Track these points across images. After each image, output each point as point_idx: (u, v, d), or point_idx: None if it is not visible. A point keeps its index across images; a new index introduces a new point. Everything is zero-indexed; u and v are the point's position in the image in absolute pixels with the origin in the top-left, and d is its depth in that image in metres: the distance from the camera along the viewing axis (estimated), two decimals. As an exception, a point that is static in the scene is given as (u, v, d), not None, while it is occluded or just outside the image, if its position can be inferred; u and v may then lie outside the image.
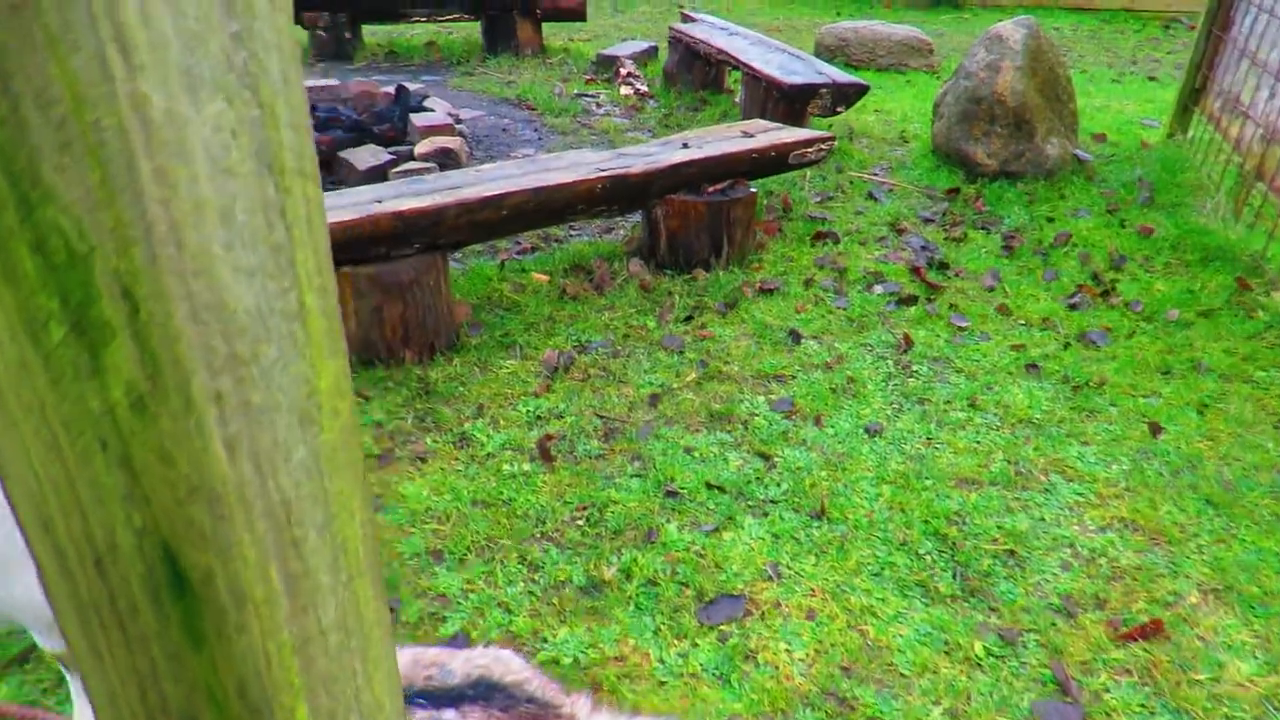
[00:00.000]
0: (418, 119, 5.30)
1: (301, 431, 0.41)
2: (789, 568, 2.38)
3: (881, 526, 2.52)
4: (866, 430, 2.95)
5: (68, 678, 1.87)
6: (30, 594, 1.46)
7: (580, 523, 2.55)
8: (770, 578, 2.35)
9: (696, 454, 2.83)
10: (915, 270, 3.99)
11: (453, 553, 2.44)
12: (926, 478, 2.72)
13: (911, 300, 3.76)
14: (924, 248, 4.25)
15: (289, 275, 0.39)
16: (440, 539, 2.48)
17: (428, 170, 4.88)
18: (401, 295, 3.09)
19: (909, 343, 3.44)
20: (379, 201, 3.12)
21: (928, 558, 2.41)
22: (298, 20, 7.25)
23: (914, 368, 3.31)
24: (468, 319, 3.47)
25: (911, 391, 3.17)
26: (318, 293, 0.41)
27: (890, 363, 3.34)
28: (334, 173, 4.88)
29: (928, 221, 4.58)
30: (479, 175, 3.43)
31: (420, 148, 5.07)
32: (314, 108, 5.55)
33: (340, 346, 0.44)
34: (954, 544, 2.45)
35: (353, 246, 3.00)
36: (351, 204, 3.10)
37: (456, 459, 2.80)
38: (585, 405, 3.06)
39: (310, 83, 6.09)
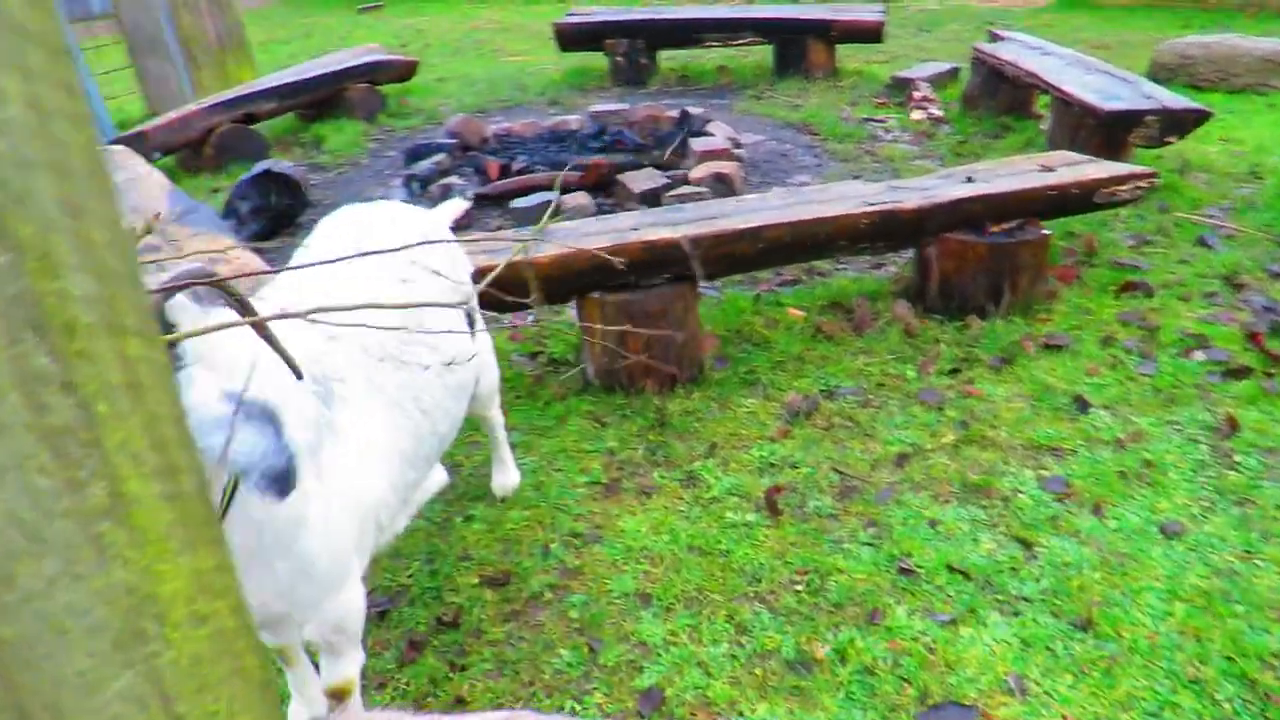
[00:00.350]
0: (697, 143, 5.32)
1: (123, 654, 0.31)
2: (1037, 684, 2.02)
3: (1167, 654, 2.07)
4: (1162, 529, 2.45)
5: (286, 673, 2.00)
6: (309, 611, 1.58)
7: (799, 588, 2.35)
8: (1012, 692, 2.00)
9: (942, 529, 2.51)
10: (1252, 336, 3.31)
11: (661, 599, 2.34)
12: (1238, 601, 2.20)
13: (1243, 373, 3.12)
14: (1268, 309, 3.52)
15: (85, 465, 0.29)
16: (651, 582, 2.40)
17: (699, 195, 4.87)
18: (648, 325, 3.06)
19: (1234, 426, 2.84)
20: (635, 229, 3.11)
21: (1227, 706, 1.93)
22: (598, 47, 7.63)
23: (1237, 458, 2.72)
24: (714, 352, 3.37)
25: (1230, 488, 2.60)
26: (156, 477, 0.31)
27: (1204, 448, 2.77)
28: (612, 195, 5.02)
29: (1276, 277, 3.80)
30: (738, 206, 3.33)
31: (695, 172, 5.08)
32: (601, 131, 5.78)
33: (213, 534, 0.34)
34: (1266, 694, 1.95)
35: (603, 274, 3.01)
36: (610, 231, 3.12)
37: (681, 498, 2.71)
38: (823, 457, 2.84)
39: (600, 106, 6.36)
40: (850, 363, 3.31)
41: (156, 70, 7.66)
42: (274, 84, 6.70)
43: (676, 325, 3.10)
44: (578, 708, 2.06)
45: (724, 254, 3.10)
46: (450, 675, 2.16)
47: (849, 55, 7.92)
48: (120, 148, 5.13)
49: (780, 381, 3.22)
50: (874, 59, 8.01)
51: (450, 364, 1.97)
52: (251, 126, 6.38)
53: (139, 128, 6.00)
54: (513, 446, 2.94)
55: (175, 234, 3.73)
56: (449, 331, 1.98)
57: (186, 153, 6.14)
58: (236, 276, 1.32)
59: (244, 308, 1.27)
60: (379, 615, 2.34)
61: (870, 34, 7.26)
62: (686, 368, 3.20)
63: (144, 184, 4.36)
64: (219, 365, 1.27)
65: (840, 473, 2.76)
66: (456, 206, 2.58)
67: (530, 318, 3.80)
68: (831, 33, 7.27)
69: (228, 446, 1.16)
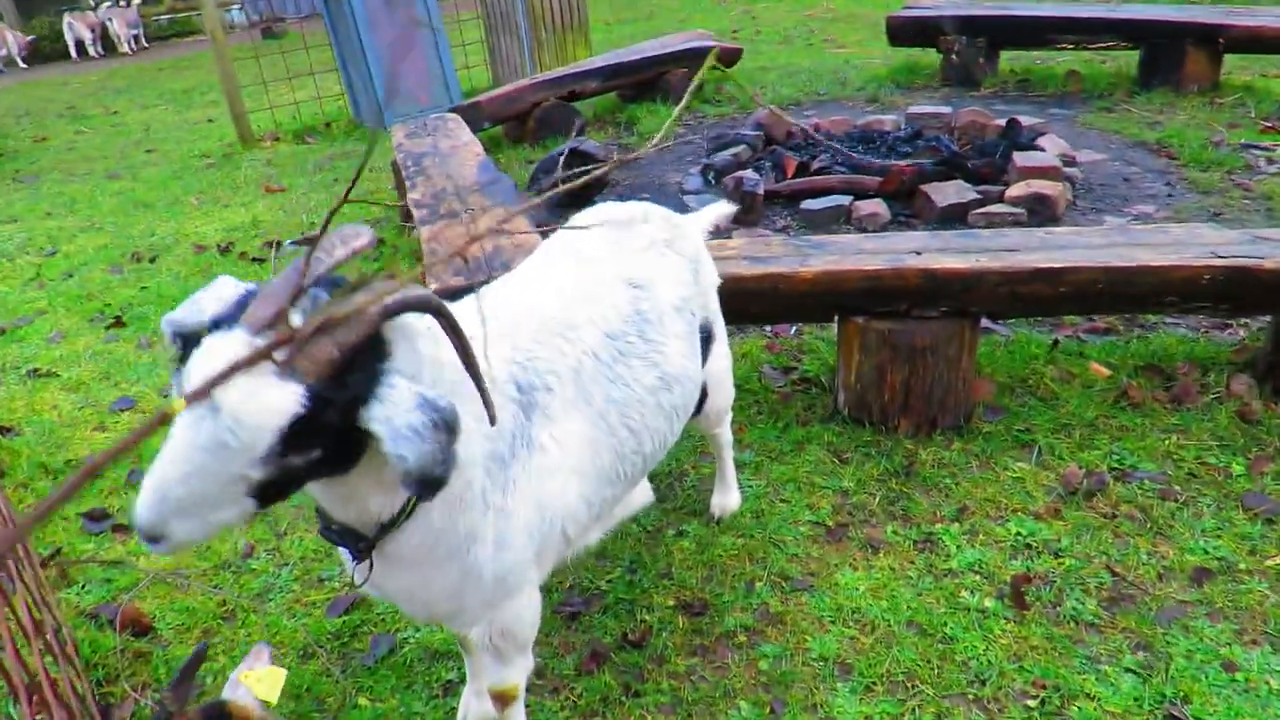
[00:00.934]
0: (1021, 158, 4.75)
1: None
2: None
3: None
4: None
5: (465, 661, 2.02)
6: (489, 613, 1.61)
7: (1031, 704, 1.98)
8: None
9: (1241, 678, 1.99)
10: None
11: (863, 675, 2.08)
12: None
13: None
14: None
15: None
16: (856, 651, 2.14)
17: (1013, 216, 4.34)
18: (912, 359, 2.74)
19: None
20: (917, 254, 2.80)
21: None
22: (932, 43, 7.09)
23: None
24: (986, 400, 2.97)
25: None
26: None
27: None
28: (910, 206, 4.64)
29: None
30: (1045, 239, 2.88)
31: (1012, 190, 4.53)
32: (915, 134, 5.36)
33: None
34: None
35: (870, 297, 2.74)
36: (885, 251, 2.83)
37: (912, 562, 2.40)
38: (1097, 550, 2.38)
39: (920, 108, 5.91)
40: (1157, 441, 2.76)
41: (504, 46, 8.32)
42: (600, 64, 6.99)
43: (946, 364, 2.75)
44: (743, 773, 1.89)
45: (1012, 294, 2.69)
46: (623, 699, 2.08)
47: (1239, 67, 6.70)
48: (453, 116, 5.60)
49: (1062, 448, 2.76)
50: (1272, 72, 6.71)
51: (669, 386, 1.85)
52: (573, 104, 6.72)
53: (476, 99, 6.53)
54: (740, 466, 2.79)
55: (474, 202, 3.98)
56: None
57: (513, 124, 6.59)
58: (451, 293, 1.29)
59: (458, 338, 1.25)
60: (570, 616, 2.31)
61: (1273, 44, 6.06)
62: (950, 413, 2.84)
63: (462, 152, 4.71)
64: (421, 376, 1.26)
65: (1115, 574, 2.30)
66: (718, 211, 2.45)
67: (793, 329, 3.60)
68: (1220, 40, 6.16)
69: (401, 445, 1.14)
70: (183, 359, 1.19)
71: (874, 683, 2.06)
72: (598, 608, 2.34)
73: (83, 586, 2.55)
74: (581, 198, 5.12)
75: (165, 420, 0.84)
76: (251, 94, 7.72)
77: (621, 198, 5.37)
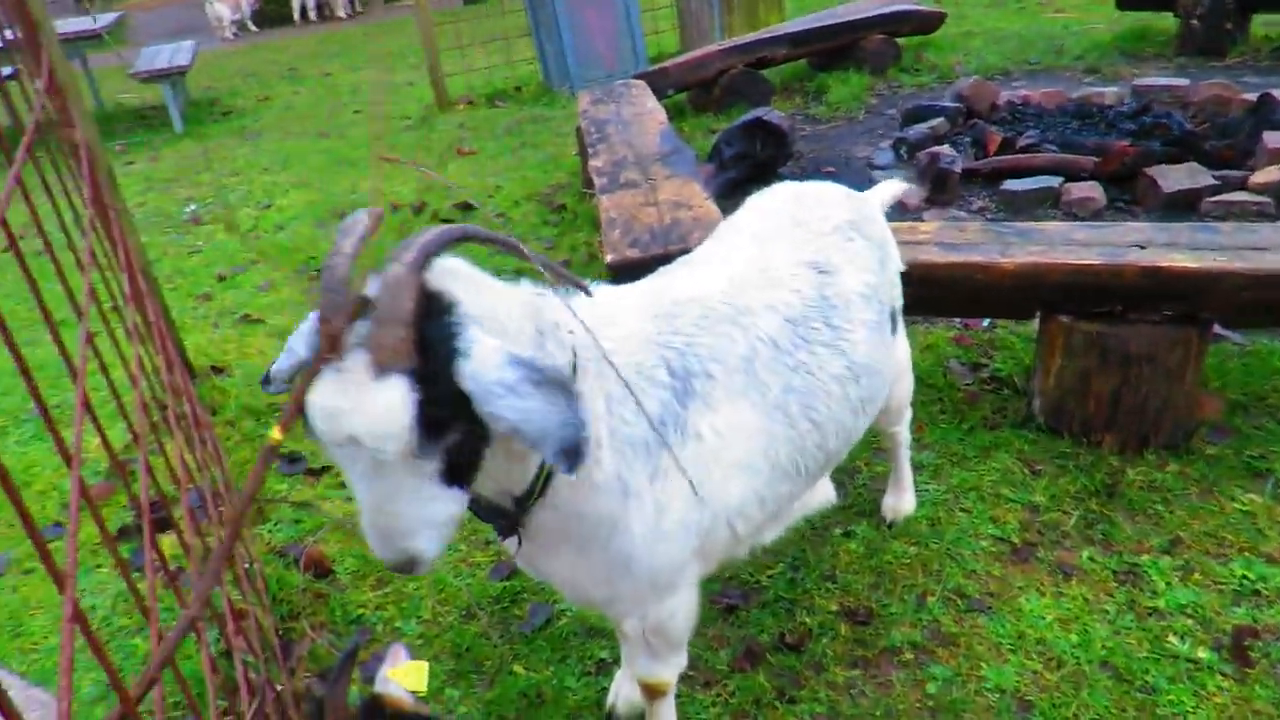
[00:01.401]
0: (1273, 138, 4.17)
1: None
2: None
3: None
4: None
5: (621, 646, 1.99)
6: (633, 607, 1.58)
7: (1247, 777, 1.73)
8: None
9: None
10: None
11: (1046, 715, 1.89)
12: None
13: None
14: None
15: None
16: (1039, 688, 1.95)
17: (1257, 206, 3.83)
18: (1124, 367, 2.46)
19: None
20: (1140, 248, 2.49)
21: None
22: (1167, 6, 6.35)
23: None
24: (1213, 418, 2.62)
25: None
26: None
27: None
28: (1130, 191, 4.18)
29: None
30: (1303, 237, 2.49)
31: (1259, 175, 4.00)
32: (1141, 109, 4.83)
33: None
34: None
35: (1079, 295, 2.47)
36: (1100, 243, 2.54)
37: (1110, 595, 2.16)
38: (1343, 607, 2.05)
39: (1150, 80, 5.31)
40: None
41: (695, 9, 8.18)
42: (791, 30, 6.74)
43: (1166, 376, 2.45)
44: (902, 803, 1.77)
45: (1255, 300, 2.34)
46: (777, 703, 1.99)
47: None
48: (638, 82, 5.57)
49: (1304, 481, 2.40)
50: None
51: (857, 377, 1.72)
52: (762, 71, 6.52)
53: (663, 64, 6.46)
54: (917, 468, 2.61)
55: (654, 172, 3.92)
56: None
57: (698, 91, 6.49)
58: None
59: (495, 241, 1.20)
60: (727, 609, 2.25)
61: None
62: (1166, 430, 2.53)
63: (645, 120, 4.66)
64: (503, 329, 1.19)
65: (1364, 637, 1.97)
66: (893, 189, 2.26)
67: (985, 321, 3.33)
68: None
69: (510, 413, 1.09)
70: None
71: (1057, 725, 1.87)
72: (756, 603, 2.26)
73: (275, 524, 2.73)
74: (763, 174, 4.97)
75: (273, 451, 0.86)
76: (450, 57, 8.01)
77: (803, 174, 5.19)
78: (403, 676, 1.47)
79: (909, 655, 2.07)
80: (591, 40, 7.61)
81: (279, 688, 2.05)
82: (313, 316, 1.22)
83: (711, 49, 6.54)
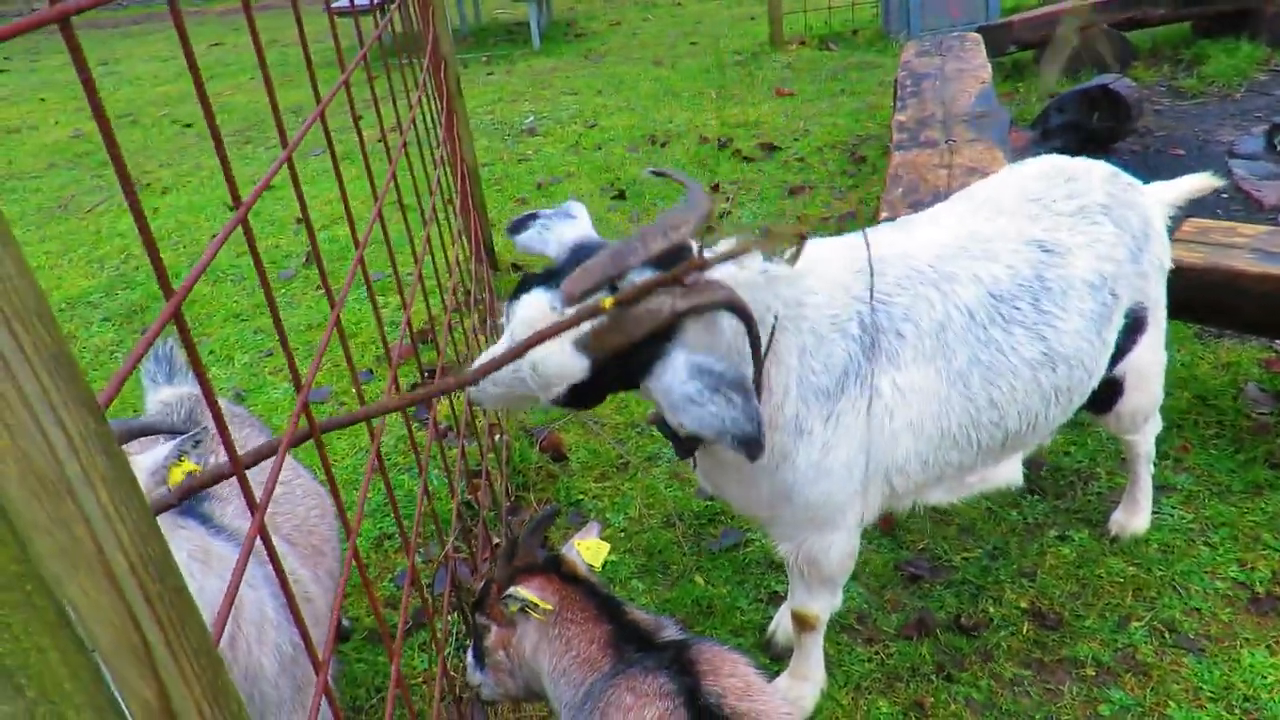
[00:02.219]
0: None
1: None
2: None
3: None
4: None
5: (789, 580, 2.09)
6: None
7: None
8: None
9: None
10: None
11: (1228, 773, 1.74)
12: None
13: None
14: None
15: None
16: (1231, 745, 1.79)
17: None
18: None
19: None
20: None
21: None
22: None
23: None
24: None
25: None
26: None
27: None
28: None
29: None
30: None
31: None
32: None
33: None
34: None
35: None
36: None
37: (1360, 676, 1.88)
38: None
39: None
40: None
41: (1066, -41, 7.42)
42: (1177, -12, 5.93)
43: None
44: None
45: None
46: (933, 677, 2.00)
47: None
48: (974, 36, 5.25)
49: None
50: None
51: (1054, 364, 1.66)
52: (1128, 32, 5.84)
53: (1009, 18, 6.00)
54: (1167, 489, 2.39)
55: (958, 134, 3.76)
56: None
57: (1045, 50, 5.97)
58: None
59: (751, 334, 1.29)
60: (910, 578, 2.25)
61: None
62: None
63: (966, 78, 4.43)
64: (700, 344, 1.33)
65: None
66: (1195, 184, 2.03)
67: (1312, 347, 2.88)
68: None
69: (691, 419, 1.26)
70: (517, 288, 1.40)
71: (1239, 788, 1.71)
72: (942, 580, 2.24)
73: (530, 409, 3.12)
74: (1094, 147, 4.53)
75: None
76: (793, -5, 8.00)
77: (1145, 152, 4.63)
78: (585, 549, 1.70)
79: (1090, 671, 1.97)
80: (941, -14, 7.22)
81: (496, 541, 2.41)
82: (573, 224, 1.49)
83: (1070, 4, 5.95)
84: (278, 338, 0.93)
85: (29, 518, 0.43)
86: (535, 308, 1.33)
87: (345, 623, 2.26)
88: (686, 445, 1.56)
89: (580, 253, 1.39)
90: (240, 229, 0.83)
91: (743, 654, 1.38)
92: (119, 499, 0.50)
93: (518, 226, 1.54)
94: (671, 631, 1.45)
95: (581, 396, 1.38)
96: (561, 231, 1.48)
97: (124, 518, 0.50)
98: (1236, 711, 1.84)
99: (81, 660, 0.46)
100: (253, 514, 0.79)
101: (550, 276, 1.36)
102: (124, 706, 0.48)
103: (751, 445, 1.25)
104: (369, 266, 4.20)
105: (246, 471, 0.79)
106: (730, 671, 1.30)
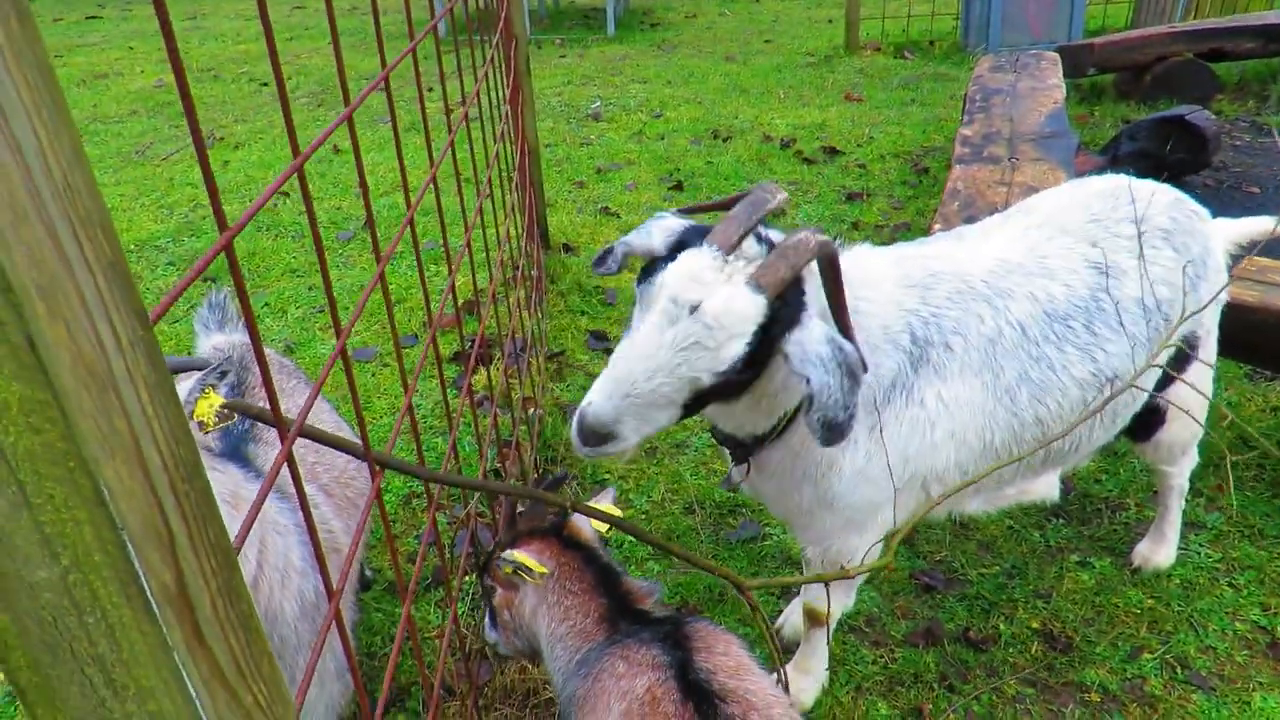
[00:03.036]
0: None
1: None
2: None
3: None
4: None
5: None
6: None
7: None
8: None
9: None
10: None
11: (1225, 813, 1.72)
12: None
13: None
14: None
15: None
16: (1231, 786, 1.77)
17: None
18: None
19: None
20: None
21: None
22: None
23: None
24: None
25: None
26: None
27: None
28: None
29: None
30: None
31: None
32: None
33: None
34: None
35: None
36: None
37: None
38: None
39: None
40: None
41: (1157, -17, 7.25)
42: (1269, 21, 5.76)
43: None
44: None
45: None
46: (935, 686, 2.01)
47: None
48: (1052, 55, 5.17)
49: None
50: None
51: (1102, 386, 1.66)
52: (1213, 64, 5.69)
53: (1090, 40, 5.88)
54: (1196, 526, 2.35)
55: (1022, 152, 3.71)
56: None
57: (1126, 75, 5.84)
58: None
59: (835, 284, 1.32)
60: (924, 587, 2.26)
61: None
62: None
63: (1038, 97, 4.37)
64: (827, 317, 1.37)
65: None
66: (1260, 226, 1.99)
67: (1370, 399, 2.80)
68: None
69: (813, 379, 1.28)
70: (645, 274, 1.37)
71: (1233, 829, 1.70)
72: (956, 593, 2.24)
73: (567, 384, 3.17)
74: (1166, 179, 4.43)
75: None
76: (873, 1, 7.92)
77: (1218, 187, 4.52)
78: (598, 510, 1.74)
79: (1095, 697, 1.96)
80: (1024, 2, 7.10)
81: (520, 509, 2.47)
82: (667, 220, 1.48)
83: (1157, 30, 5.81)
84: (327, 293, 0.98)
85: (76, 403, 0.48)
86: (696, 259, 1.30)
87: (368, 573, 2.33)
88: (742, 453, 1.61)
89: (689, 234, 1.39)
90: (296, 179, 0.89)
91: (738, 636, 1.41)
92: (158, 401, 0.55)
93: (601, 259, 1.54)
94: (657, 598, 1.50)
95: (750, 359, 1.30)
96: (659, 228, 1.49)
97: (160, 418, 0.55)
98: (1240, 754, 1.83)
99: (111, 537, 0.51)
100: (281, 442, 0.85)
101: (686, 243, 1.35)
102: (145, 583, 0.53)
103: (837, 431, 1.29)
104: (423, 236, 4.31)
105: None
106: (723, 650, 1.34)
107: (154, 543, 0.54)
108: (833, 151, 5.27)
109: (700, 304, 1.27)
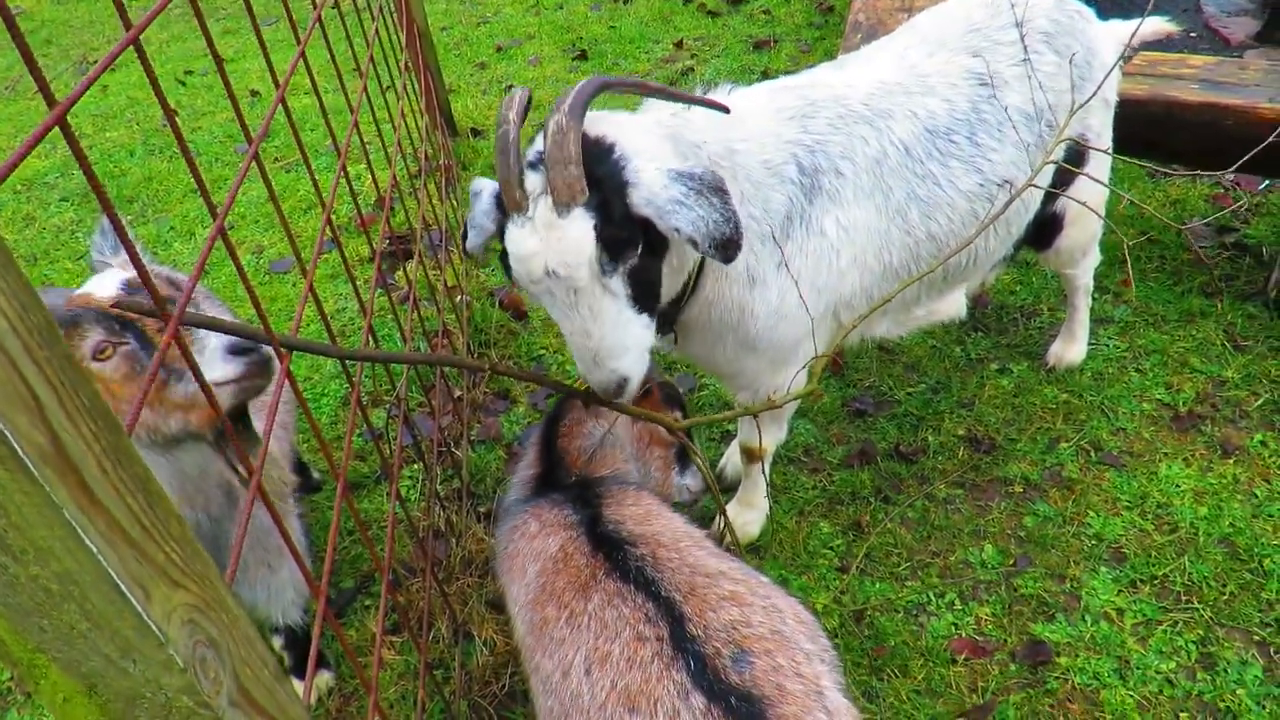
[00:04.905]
0: None
1: None
2: None
3: None
4: None
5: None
6: None
7: (1335, 678, 1.65)
8: None
9: None
10: None
11: (1135, 569, 1.89)
12: None
13: None
14: None
15: None
16: (1141, 545, 1.93)
17: None
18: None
19: None
20: None
21: None
22: None
23: None
24: None
25: None
26: None
27: None
28: None
29: None
30: None
31: None
32: None
33: None
34: None
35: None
36: None
37: (1266, 481, 2.02)
38: None
39: None
40: None
41: None
42: None
43: None
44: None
45: None
46: (871, 499, 2.12)
47: None
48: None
49: None
50: None
51: (991, 197, 1.70)
52: None
53: None
54: (1105, 321, 2.47)
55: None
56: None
57: None
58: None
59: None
60: (856, 413, 2.35)
61: None
62: None
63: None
64: (651, 158, 1.34)
65: None
66: (1155, 27, 2.00)
67: (1263, 184, 2.91)
68: None
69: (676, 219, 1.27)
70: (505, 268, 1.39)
71: (1143, 580, 1.86)
72: (886, 414, 2.34)
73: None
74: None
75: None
76: None
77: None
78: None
79: (1018, 488, 2.10)
80: None
81: (458, 394, 2.49)
82: (481, 201, 1.46)
83: None
84: (213, 213, 0.95)
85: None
86: (515, 239, 1.31)
87: (316, 475, 2.36)
88: (666, 324, 1.62)
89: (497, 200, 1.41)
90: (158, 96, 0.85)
91: (649, 491, 1.47)
92: (-2, 271, 0.54)
93: (465, 237, 1.53)
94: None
95: (619, 247, 1.31)
96: (479, 211, 1.47)
97: (3, 289, 0.55)
98: (1150, 517, 1.98)
99: (-29, 401, 0.52)
100: (165, 328, 0.84)
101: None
102: (16, 445, 0.54)
103: (733, 245, 1.29)
104: (324, 138, 4.15)
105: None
106: (633, 502, 1.39)
107: (19, 407, 0.55)
108: (737, 1, 5.12)
109: (548, 267, 1.27)
